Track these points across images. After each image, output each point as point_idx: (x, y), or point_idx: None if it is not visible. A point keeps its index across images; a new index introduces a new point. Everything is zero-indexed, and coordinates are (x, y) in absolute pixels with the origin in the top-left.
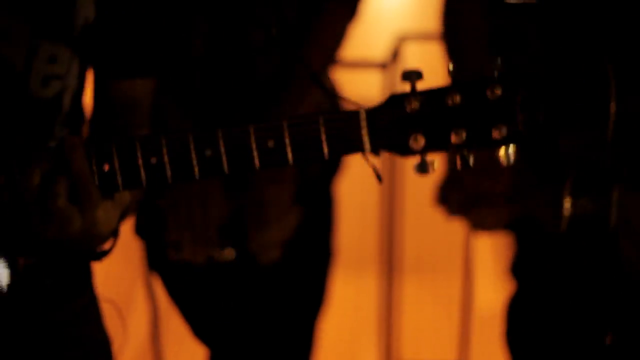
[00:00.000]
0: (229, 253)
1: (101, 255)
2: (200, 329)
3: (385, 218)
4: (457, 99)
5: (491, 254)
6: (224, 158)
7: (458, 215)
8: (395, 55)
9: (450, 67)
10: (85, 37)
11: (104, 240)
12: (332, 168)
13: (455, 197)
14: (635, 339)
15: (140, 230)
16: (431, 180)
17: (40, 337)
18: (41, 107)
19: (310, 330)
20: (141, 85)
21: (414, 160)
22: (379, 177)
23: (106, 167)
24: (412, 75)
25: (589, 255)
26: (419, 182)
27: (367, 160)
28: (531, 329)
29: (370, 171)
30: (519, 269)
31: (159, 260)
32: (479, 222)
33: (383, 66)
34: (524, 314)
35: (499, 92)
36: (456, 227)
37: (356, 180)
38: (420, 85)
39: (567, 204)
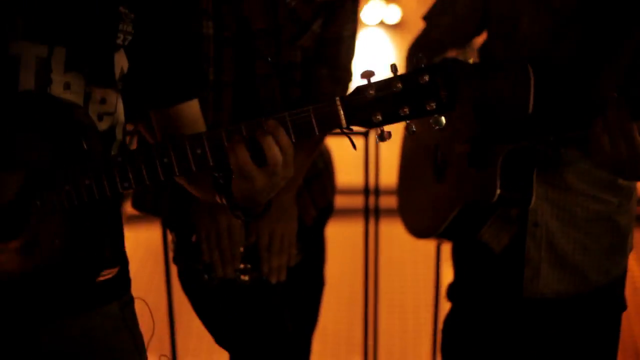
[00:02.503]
0: (245, 277)
1: (265, 210)
2: (222, 338)
3: (368, 258)
4: (399, 85)
5: None
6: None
7: None
8: None
9: (395, 69)
10: (124, 82)
11: (267, 198)
12: (324, 216)
13: None
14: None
15: (177, 260)
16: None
17: (85, 334)
18: (97, 138)
19: (307, 339)
20: (195, 104)
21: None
22: (353, 145)
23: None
24: (368, 74)
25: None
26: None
27: (343, 130)
28: (463, 342)
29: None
30: (454, 292)
31: (190, 284)
32: None
33: None
34: (457, 330)
35: (427, 78)
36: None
37: (343, 226)
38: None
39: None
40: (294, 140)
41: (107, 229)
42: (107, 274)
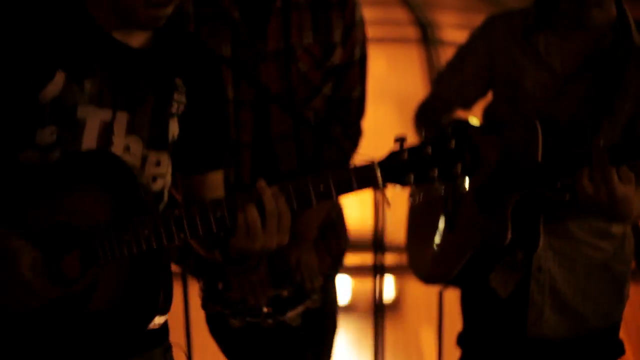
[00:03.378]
0: (270, 321)
1: (257, 266)
2: None
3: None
4: (429, 150)
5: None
6: (295, 204)
7: None
8: None
9: (422, 132)
10: (175, 147)
11: (260, 256)
12: (337, 264)
13: None
14: None
15: (205, 305)
16: None
17: None
18: (151, 197)
19: None
20: (221, 173)
21: None
22: (388, 202)
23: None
24: (401, 139)
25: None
26: None
27: (379, 190)
28: None
29: None
30: (464, 339)
31: (218, 329)
32: None
33: None
34: None
35: (453, 143)
36: None
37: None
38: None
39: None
40: (335, 197)
41: (161, 277)
42: (159, 321)
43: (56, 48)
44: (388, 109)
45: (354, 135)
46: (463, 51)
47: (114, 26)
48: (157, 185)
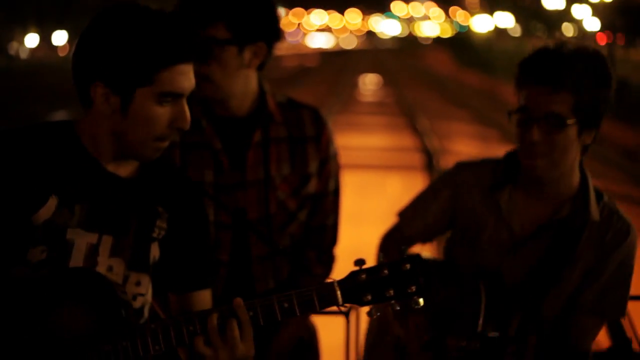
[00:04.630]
0: None
1: None
2: None
3: None
4: (386, 271)
5: None
6: (261, 320)
7: None
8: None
9: (381, 257)
10: (159, 268)
11: None
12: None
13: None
14: None
15: None
16: None
17: None
18: (132, 311)
19: None
20: (208, 292)
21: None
22: (346, 315)
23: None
24: (360, 262)
25: None
26: None
27: (339, 308)
28: None
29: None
30: None
31: None
32: None
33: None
34: None
35: (408, 266)
36: None
37: None
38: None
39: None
40: (298, 314)
41: None
42: None
43: (51, 176)
44: None
45: (328, 261)
46: (428, 194)
47: (107, 159)
48: (137, 303)
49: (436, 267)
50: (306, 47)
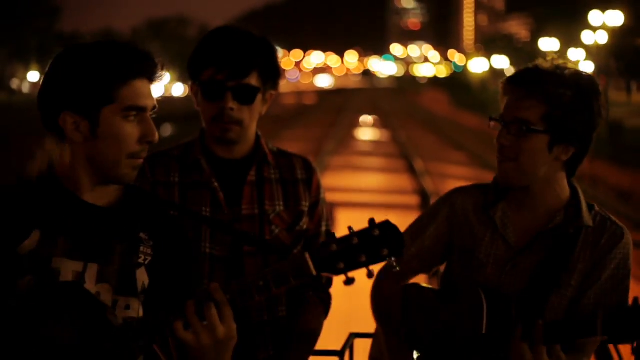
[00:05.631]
0: None
1: None
2: None
3: None
4: (356, 240)
5: None
6: (238, 300)
7: None
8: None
9: (352, 229)
10: (147, 295)
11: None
12: None
13: None
14: None
15: None
16: None
17: None
18: (122, 335)
19: None
20: None
21: None
22: (340, 355)
23: None
24: (332, 234)
25: None
26: None
27: (314, 279)
28: None
29: None
30: None
31: None
32: None
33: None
34: None
35: (377, 232)
36: None
37: None
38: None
39: None
40: (274, 291)
41: None
42: None
43: (32, 211)
44: None
45: (327, 300)
46: (424, 219)
47: (85, 189)
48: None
49: (434, 292)
50: (304, 84)
